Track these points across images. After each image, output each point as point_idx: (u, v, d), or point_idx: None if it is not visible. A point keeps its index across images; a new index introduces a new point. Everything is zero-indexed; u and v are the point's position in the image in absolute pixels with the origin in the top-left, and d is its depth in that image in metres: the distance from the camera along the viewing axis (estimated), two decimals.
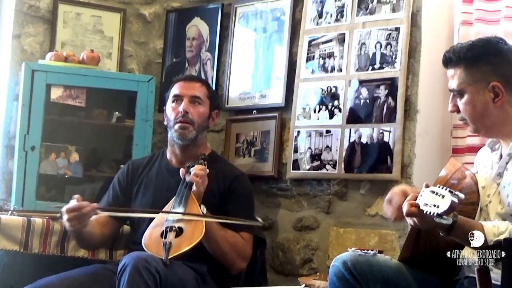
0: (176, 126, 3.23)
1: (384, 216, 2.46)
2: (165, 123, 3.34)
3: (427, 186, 2.12)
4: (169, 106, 3.29)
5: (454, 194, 2.06)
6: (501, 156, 2.36)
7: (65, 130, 3.79)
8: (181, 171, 3.09)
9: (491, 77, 2.30)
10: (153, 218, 3.05)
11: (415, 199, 2.12)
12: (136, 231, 3.20)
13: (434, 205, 2.05)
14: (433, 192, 2.08)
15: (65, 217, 2.99)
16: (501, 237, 2.11)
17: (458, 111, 2.39)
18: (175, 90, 3.30)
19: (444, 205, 2.04)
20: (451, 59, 2.35)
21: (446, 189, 2.07)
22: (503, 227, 2.15)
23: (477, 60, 2.31)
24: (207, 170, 3.07)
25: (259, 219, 3.13)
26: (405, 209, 2.14)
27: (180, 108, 3.22)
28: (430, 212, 2.04)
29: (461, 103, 2.35)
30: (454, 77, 2.35)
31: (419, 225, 2.17)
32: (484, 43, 2.36)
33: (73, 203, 2.99)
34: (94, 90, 3.77)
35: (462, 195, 2.08)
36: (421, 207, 2.07)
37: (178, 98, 3.27)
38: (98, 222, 3.20)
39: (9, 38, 3.89)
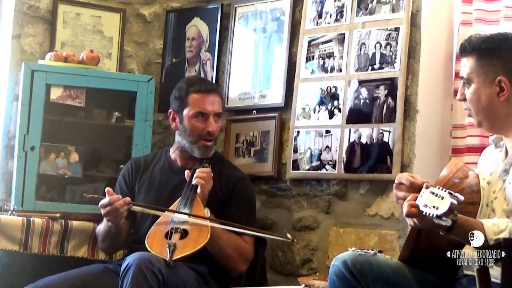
0: (201, 144, 3.21)
1: (394, 197, 2.40)
2: (174, 127, 3.30)
3: (427, 187, 2.12)
4: (190, 119, 3.21)
5: (453, 196, 2.06)
6: (506, 153, 2.37)
7: (65, 130, 3.79)
8: (187, 173, 3.09)
9: (499, 71, 2.32)
10: (156, 219, 3.05)
11: (415, 200, 2.12)
12: (138, 230, 3.21)
13: (434, 207, 2.05)
14: (433, 193, 2.09)
15: (102, 212, 3.02)
16: (501, 235, 2.12)
17: (465, 99, 2.41)
18: (199, 104, 3.22)
19: (443, 207, 2.04)
20: (466, 48, 2.39)
21: (445, 191, 2.07)
22: (503, 225, 2.15)
23: (489, 53, 2.34)
24: (211, 173, 3.08)
25: (289, 235, 3.09)
26: (405, 209, 2.15)
27: (210, 129, 3.20)
28: (430, 214, 2.05)
29: (468, 92, 2.38)
30: (465, 66, 2.38)
31: (419, 225, 2.17)
32: (501, 37, 2.38)
33: (106, 199, 3.00)
34: (94, 90, 3.77)
35: (461, 197, 2.08)
36: (421, 208, 2.08)
37: (204, 116, 3.22)
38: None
39: (9, 38, 3.89)
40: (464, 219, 2.15)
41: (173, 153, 3.33)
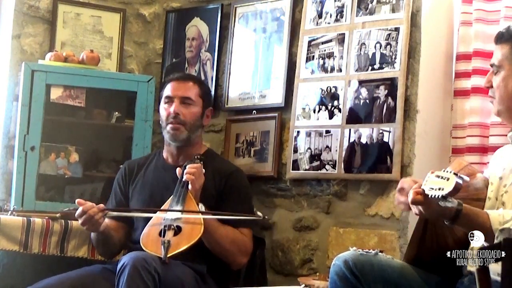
0: (168, 127, 3.25)
1: (396, 202, 2.42)
2: (161, 123, 3.37)
3: (432, 173, 2.12)
4: (162, 106, 3.32)
5: (459, 176, 2.05)
6: None
7: (65, 130, 3.79)
8: (178, 170, 3.10)
9: None
10: (150, 218, 3.06)
11: (420, 187, 2.12)
12: (134, 230, 3.21)
13: (439, 188, 2.04)
14: (438, 176, 2.08)
15: (79, 222, 3.04)
16: (507, 225, 2.12)
17: (491, 86, 2.41)
18: (167, 91, 3.31)
19: (449, 187, 2.03)
20: (503, 35, 2.40)
21: (450, 172, 2.07)
22: (508, 215, 2.15)
23: None
24: (203, 170, 3.09)
25: (259, 213, 3.13)
26: (410, 197, 2.14)
27: (171, 109, 3.24)
28: (435, 196, 2.04)
29: (496, 79, 2.39)
30: (498, 53, 2.39)
31: (424, 213, 2.16)
32: None
33: (80, 209, 3.01)
34: (94, 90, 3.77)
35: (467, 178, 2.08)
36: (426, 191, 2.07)
37: (169, 99, 3.28)
38: (113, 229, 3.21)
39: (9, 38, 3.89)
40: (468, 208, 2.15)
41: (165, 151, 3.35)
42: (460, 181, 2.05)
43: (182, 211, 2.98)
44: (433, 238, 2.36)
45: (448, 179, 2.05)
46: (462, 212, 2.12)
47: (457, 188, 2.04)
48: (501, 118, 2.49)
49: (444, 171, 2.09)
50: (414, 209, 2.17)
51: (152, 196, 3.22)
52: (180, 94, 3.27)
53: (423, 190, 2.09)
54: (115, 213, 3.16)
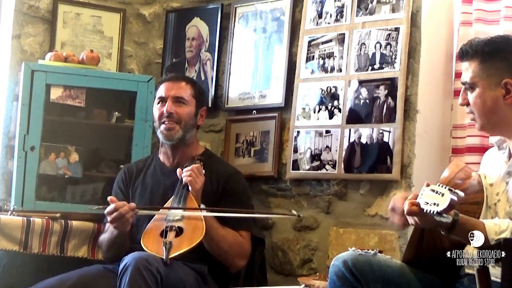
0: (162, 127, 3.25)
1: (389, 222, 2.45)
2: (154, 123, 3.37)
3: (428, 185, 2.12)
4: (155, 107, 3.32)
5: (453, 192, 2.06)
6: (509, 155, 2.36)
7: (65, 130, 3.78)
8: (178, 171, 3.10)
9: (505, 73, 2.30)
10: (152, 218, 3.06)
11: (416, 198, 2.12)
12: (136, 230, 3.20)
13: (434, 204, 2.05)
14: (433, 190, 2.09)
15: (108, 219, 3.02)
16: (503, 235, 2.12)
17: (467, 104, 2.38)
18: (160, 91, 3.32)
19: (443, 204, 2.04)
20: (467, 52, 2.36)
21: (445, 187, 2.07)
22: (504, 225, 2.16)
23: (493, 56, 2.31)
24: (203, 171, 3.09)
25: (294, 211, 3.14)
26: (406, 208, 2.15)
27: (164, 109, 3.24)
28: (430, 211, 2.05)
29: (471, 96, 2.35)
30: (468, 70, 2.35)
31: (420, 224, 2.17)
32: (503, 39, 2.37)
33: (111, 206, 2.99)
34: (94, 90, 3.76)
35: (461, 193, 2.08)
36: (422, 205, 2.08)
37: (162, 100, 3.29)
38: None
39: (9, 38, 3.89)
40: (465, 218, 2.15)
41: (161, 154, 3.35)
42: (455, 198, 2.05)
43: (183, 209, 2.97)
44: (429, 241, 2.36)
45: (443, 195, 2.06)
46: (458, 223, 2.13)
47: (451, 205, 2.05)
48: (486, 132, 2.47)
49: (439, 185, 2.10)
50: (410, 219, 2.18)
51: (152, 201, 3.21)
52: (173, 94, 3.27)
53: (418, 204, 2.09)
54: (145, 212, 3.13)
